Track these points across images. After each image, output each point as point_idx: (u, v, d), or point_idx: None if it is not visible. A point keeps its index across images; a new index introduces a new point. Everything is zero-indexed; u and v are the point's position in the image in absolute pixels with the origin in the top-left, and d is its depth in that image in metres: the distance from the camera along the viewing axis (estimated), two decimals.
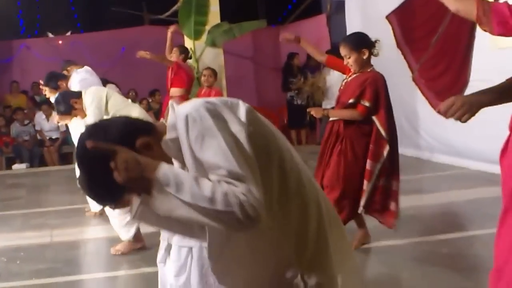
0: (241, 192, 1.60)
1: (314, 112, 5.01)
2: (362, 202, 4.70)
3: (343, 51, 4.73)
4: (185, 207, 1.61)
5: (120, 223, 5.20)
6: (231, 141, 1.68)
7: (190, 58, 9.92)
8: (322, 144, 4.98)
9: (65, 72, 7.44)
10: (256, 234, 1.72)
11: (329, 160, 4.81)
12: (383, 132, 4.65)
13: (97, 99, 5.50)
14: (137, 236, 5.26)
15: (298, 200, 1.84)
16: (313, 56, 5.44)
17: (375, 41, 4.73)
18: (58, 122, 6.12)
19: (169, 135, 1.77)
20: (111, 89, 7.06)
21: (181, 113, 1.72)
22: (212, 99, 1.81)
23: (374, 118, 4.69)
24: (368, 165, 4.68)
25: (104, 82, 7.86)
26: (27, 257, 5.45)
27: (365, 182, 4.68)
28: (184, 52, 9.35)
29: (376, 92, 4.65)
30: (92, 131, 1.79)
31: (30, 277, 4.89)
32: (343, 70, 4.98)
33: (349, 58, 4.70)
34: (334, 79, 9.37)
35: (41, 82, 6.79)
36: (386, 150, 4.66)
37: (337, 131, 4.80)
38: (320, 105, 10.03)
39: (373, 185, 4.69)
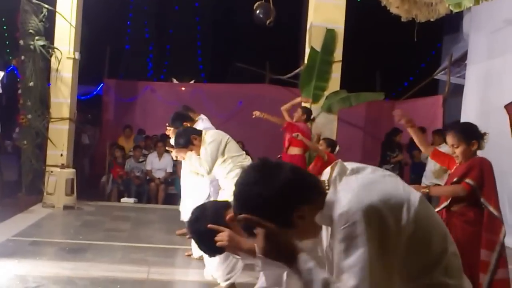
0: None
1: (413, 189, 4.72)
2: None
3: (451, 140, 4.51)
4: None
5: (217, 267, 5.20)
6: (374, 256, 1.70)
7: (313, 120, 10.09)
8: None
9: (191, 115, 7.66)
10: None
11: None
12: (495, 213, 4.35)
13: (217, 141, 5.76)
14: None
15: None
16: (419, 145, 5.01)
17: (484, 134, 4.50)
18: (175, 158, 6.36)
19: (323, 214, 1.83)
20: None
21: (339, 207, 1.76)
22: (380, 197, 1.78)
23: (484, 201, 4.39)
24: (482, 256, 4.33)
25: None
26: None
27: (481, 275, 4.32)
28: (307, 113, 9.49)
29: (481, 173, 4.40)
30: (261, 179, 1.83)
31: None
32: (448, 164, 4.76)
33: (457, 148, 4.48)
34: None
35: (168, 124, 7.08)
36: (502, 234, 4.36)
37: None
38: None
39: (490, 278, 4.33)
